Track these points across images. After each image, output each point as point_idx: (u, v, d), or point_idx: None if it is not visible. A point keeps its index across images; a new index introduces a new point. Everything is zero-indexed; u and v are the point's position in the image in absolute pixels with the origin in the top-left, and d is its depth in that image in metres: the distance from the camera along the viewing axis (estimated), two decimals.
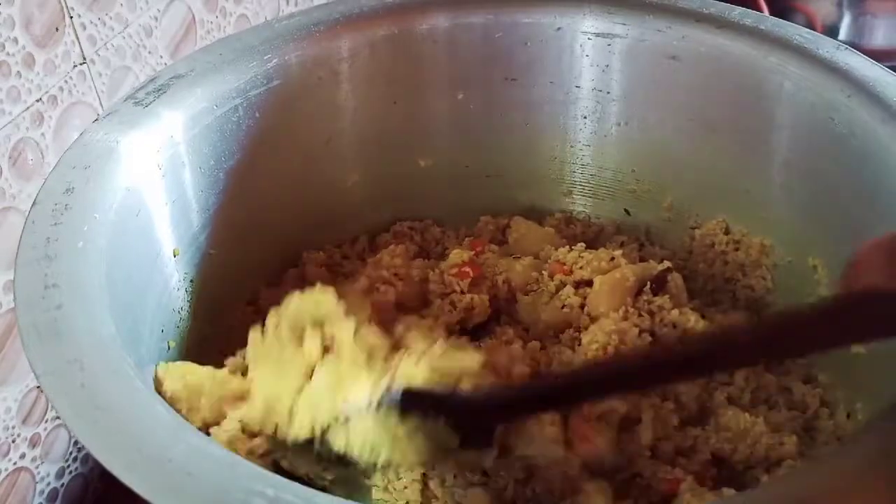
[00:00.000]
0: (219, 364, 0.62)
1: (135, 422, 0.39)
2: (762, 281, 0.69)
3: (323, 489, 0.48)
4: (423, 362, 0.50)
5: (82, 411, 0.39)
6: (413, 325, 0.59)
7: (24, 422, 0.65)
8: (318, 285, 0.55)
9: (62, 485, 0.71)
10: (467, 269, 0.68)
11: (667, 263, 0.68)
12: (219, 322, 0.67)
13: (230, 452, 0.38)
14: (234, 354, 0.62)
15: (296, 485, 0.36)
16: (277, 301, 0.55)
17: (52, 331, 0.43)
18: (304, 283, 0.70)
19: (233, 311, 0.69)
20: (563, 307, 0.66)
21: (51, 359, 0.41)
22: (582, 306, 0.66)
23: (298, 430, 0.48)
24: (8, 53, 0.58)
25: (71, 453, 0.71)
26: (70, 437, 0.70)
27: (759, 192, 0.68)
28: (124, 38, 0.70)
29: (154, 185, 0.57)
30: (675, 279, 0.67)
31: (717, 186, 0.71)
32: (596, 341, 0.61)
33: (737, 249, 0.71)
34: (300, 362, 0.51)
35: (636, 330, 0.61)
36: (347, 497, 0.36)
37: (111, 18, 0.68)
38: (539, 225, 0.76)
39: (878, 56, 0.63)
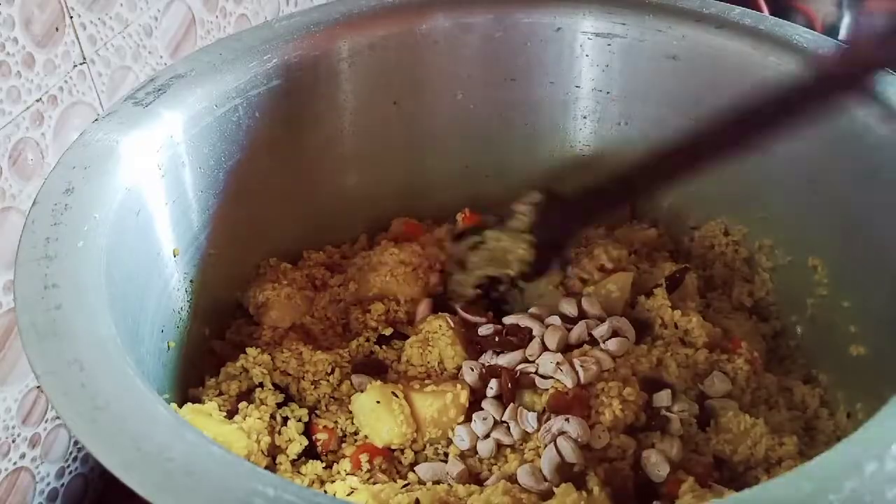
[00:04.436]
0: (216, 367, 0.63)
1: (135, 421, 0.39)
2: (762, 282, 0.69)
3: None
4: None
5: (82, 411, 0.39)
6: None
7: (24, 422, 0.65)
8: None
9: (62, 484, 0.71)
10: None
11: (684, 264, 0.69)
12: (218, 322, 0.67)
13: (230, 452, 0.38)
14: (233, 359, 0.62)
15: (296, 484, 0.36)
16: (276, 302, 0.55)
17: (52, 331, 0.43)
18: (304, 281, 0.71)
19: (233, 312, 0.69)
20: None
21: (51, 358, 0.41)
22: None
23: None
24: (8, 53, 0.58)
25: (71, 453, 0.71)
26: (70, 437, 0.70)
27: (759, 192, 0.68)
28: (124, 38, 0.70)
29: (154, 185, 0.57)
30: (691, 279, 0.67)
31: (716, 187, 0.71)
32: None
33: (736, 251, 0.71)
34: None
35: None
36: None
37: (111, 18, 0.68)
38: None
39: None
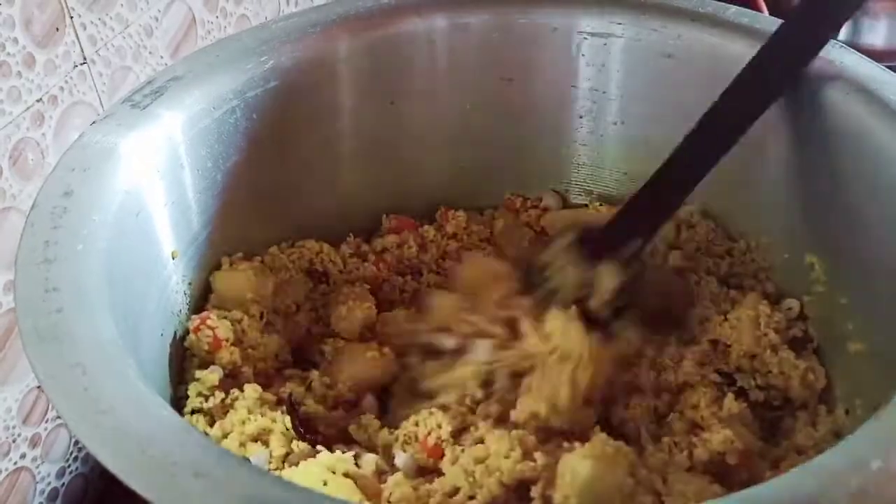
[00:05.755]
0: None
1: (139, 425, 0.39)
2: (760, 280, 0.70)
3: None
4: None
5: (86, 415, 0.39)
6: None
7: (24, 422, 0.65)
8: None
9: (62, 484, 0.71)
10: None
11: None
12: None
13: (235, 454, 0.38)
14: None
15: (304, 487, 0.36)
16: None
17: (54, 334, 0.43)
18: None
19: None
20: None
21: (53, 362, 0.41)
22: None
23: None
24: (8, 53, 0.58)
25: (71, 453, 0.71)
26: (70, 437, 0.70)
27: (757, 190, 0.68)
28: (125, 38, 0.70)
29: (153, 187, 0.57)
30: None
31: (714, 185, 0.71)
32: None
33: (734, 249, 0.71)
34: None
35: None
36: None
37: (111, 18, 0.68)
38: None
39: (878, 56, 0.63)
